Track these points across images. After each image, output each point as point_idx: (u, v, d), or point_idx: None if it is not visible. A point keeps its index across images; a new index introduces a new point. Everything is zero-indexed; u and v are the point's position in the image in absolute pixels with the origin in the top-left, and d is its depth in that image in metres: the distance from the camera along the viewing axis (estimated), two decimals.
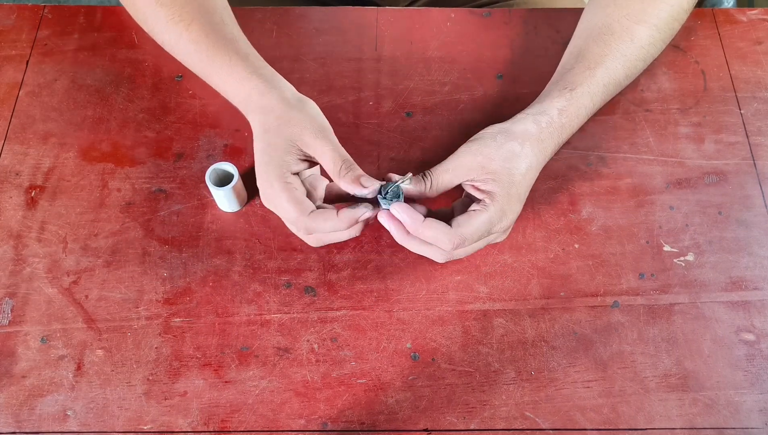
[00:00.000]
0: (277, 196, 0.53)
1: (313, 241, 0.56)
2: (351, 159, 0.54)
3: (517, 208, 0.55)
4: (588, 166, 0.64)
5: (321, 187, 0.57)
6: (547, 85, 0.61)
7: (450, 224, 0.53)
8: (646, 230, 0.61)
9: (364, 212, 0.53)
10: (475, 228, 0.52)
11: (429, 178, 0.54)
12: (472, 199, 0.56)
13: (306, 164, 0.55)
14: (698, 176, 0.64)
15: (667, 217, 0.62)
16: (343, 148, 0.54)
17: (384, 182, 0.54)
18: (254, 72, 0.58)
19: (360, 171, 0.53)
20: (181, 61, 0.63)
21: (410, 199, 0.54)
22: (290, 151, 0.54)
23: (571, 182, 0.63)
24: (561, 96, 0.58)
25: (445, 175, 0.54)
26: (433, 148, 0.65)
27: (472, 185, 0.54)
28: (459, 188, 0.56)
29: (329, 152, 0.53)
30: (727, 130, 0.66)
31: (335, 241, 0.56)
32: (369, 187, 0.53)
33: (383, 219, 0.54)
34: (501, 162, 0.54)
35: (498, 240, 0.57)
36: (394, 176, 0.55)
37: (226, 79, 0.59)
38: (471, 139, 0.56)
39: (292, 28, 0.71)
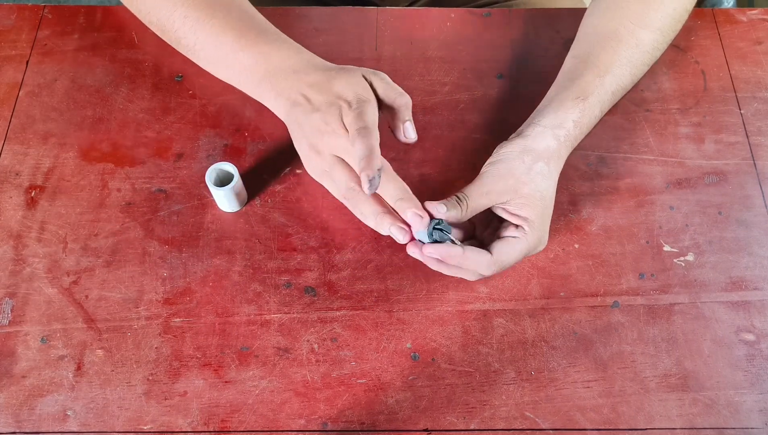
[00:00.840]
0: (340, 135, 0.53)
1: (349, 201, 0.55)
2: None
3: (547, 225, 0.56)
4: (588, 166, 0.64)
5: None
6: (553, 87, 0.61)
7: (489, 251, 0.53)
8: (646, 230, 0.61)
9: (398, 235, 0.53)
10: (515, 257, 0.54)
11: (465, 202, 0.53)
12: (497, 217, 0.56)
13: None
14: (698, 176, 0.64)
15: (667, 217, 0.62)
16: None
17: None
18: (278, 38, 0.59)
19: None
20: (188, 51, 0.63)
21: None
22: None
23: (571, 182, 0.63)
24: (575, 107, 0.58)
25: (480, 200, 0.54)
26: (433, 148, 0.65)
27: (504, 209, 0.55)
28: None
29: (382, 84, 0.55)
30: (727, 130, 0.66)
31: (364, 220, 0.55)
32: (410, 137, 0.55)
33: (415, 253, 0.53)
34: (533, 185, 0.54)
35: (530, 254, 0.57)
36: (434, 208, 0.53)
37: (241, 55, 0.59)
38: (493, 160, 0.56)
39: (292, 28, 0.71)
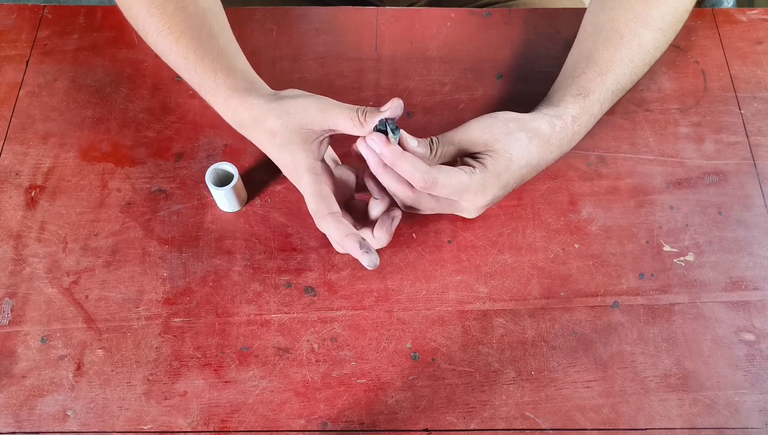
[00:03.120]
0: (304, 190, 0.54)
1: (337, 246, 0.56)
2: (363, 107, 0.53)
3: (498, 193, 0.55)
4: (588, 166, 0.64)
5: (352, 178, 0.57)
6: (555, 84, 0.61)
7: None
8: (646, 230, 0.61)
9: (362, 254, 0.52)
10: (451, 180, 0.52)
11: (435, 146, 0.54)
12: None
13: (327, 141, 0.55)
14: (698, 176, 0.64)
15: (667, 217, 0.62)
16: (349, 104, 0.53)
17: (386, 118, 0.52)
18: (235, 89, 0.57)
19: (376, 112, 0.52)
20: (177, 71, 0.63)
21: None
22: (307, 138, 0.54)
23: (571, 182, 0.63)
24: (575, 103, 0.58)
25: (451, 147, 0.55)
26: None
27: (471, 156, 0.55)
28: None
29: (339, 113, 0.53)
30: (727, 130, 0.66)
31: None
32: (370, 122, 0.52)
33: (362, 147, 0.53)
34: (505, 145, 0.54)
35: (464, 214, 0.57)
36: (406, 139, 0.53)
37: (213, 99, 0.59)
38: (486, 114, 0.56)
39: (292, 28, 0.71)
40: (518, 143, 0.55)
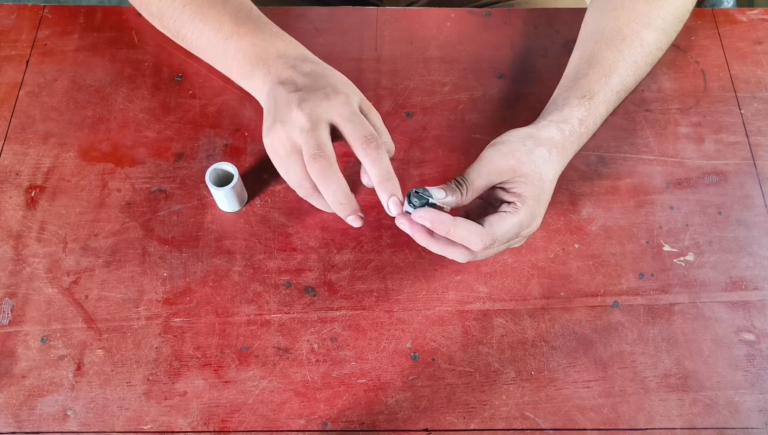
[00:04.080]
0: (308, 128, 0.53)
1: (302, 190, 0.54)
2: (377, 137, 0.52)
3: (542, 211, 0.55)
4: (588, 166, 0.64)
5: None
6: (558, 88, 0.61)
7: (482, 224, 0.52)
8: (646, 230, 0.61)
9: (354, 220, 0.53)
10: (507, 229, 0.52)
11: (464, 185, 0.52)
12: (490, 202, 0.56)
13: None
14: (698, 176, 0.64)
15: (667, 217, 0.62)
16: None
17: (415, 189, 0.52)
18: (278, 30, 0.60)
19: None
20: (185, 41, 0.63)
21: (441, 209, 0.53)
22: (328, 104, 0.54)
23: (571, 182, 0.63)
24: (581, 105, 0.58)
25: (480, 181, 0.53)
26: (433, 148, 0.65)
27: (502, 188, 0.54)
28: None
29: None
30: (727, 130, 0.66)
31: (316, 205, 0.56)
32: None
33: (404, 225, 0.52)
34: (532, 166, 0.53)
35: (517, 245, 0.57)
36: (432, 189, 0.53)
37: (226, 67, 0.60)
38: (496, 142, 0.55)
39: (292, 28, 0.71)
40: (541, 159, 0.54)
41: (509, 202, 0.53)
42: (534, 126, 0.57)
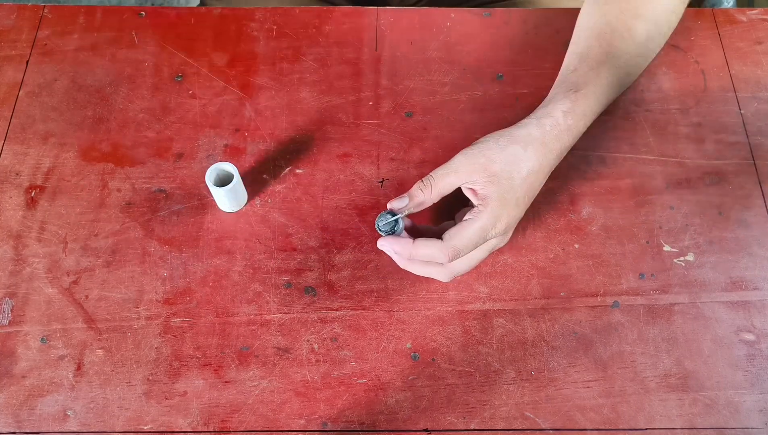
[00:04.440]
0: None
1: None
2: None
3: (514, 212, 0.54)
4: (588, 166, 0.64)
5: None
6: (551, 89, 0.61)
7: (442, 239, 0.53)
8: (646, 230, 0.61)
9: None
10: (467, 238, 0.52)
11: (429, 184, 0.54)
12: (470, 206, 0.55)
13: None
14: (698, 176, 0.64)
15: (667, 217, 0.62)
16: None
17: (388, 211, 0.55)
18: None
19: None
20: None
21: (413, 214, 0.56)
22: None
23: (571, 182, 0.63)
24: (566, 98, 0.57)
25: (446, 179, 0.54)
26: (433, 148, 0.65)
27: (470, 188, 0.54)
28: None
29: None
30: (727, 130, 0.66)
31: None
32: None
33: (382, 247, 0.55)
34: (502, 164, 0.53)
35: (500, 245, 0.56)
36: (393, 203, 0.55)
37: None
38: (473, 142, 0.56)
39: (292, 28, 0.71)
40: (514, 157, 0.54)
41: (476, 206, 0.54)
42: (515, 125, 0.57)
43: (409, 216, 0.56)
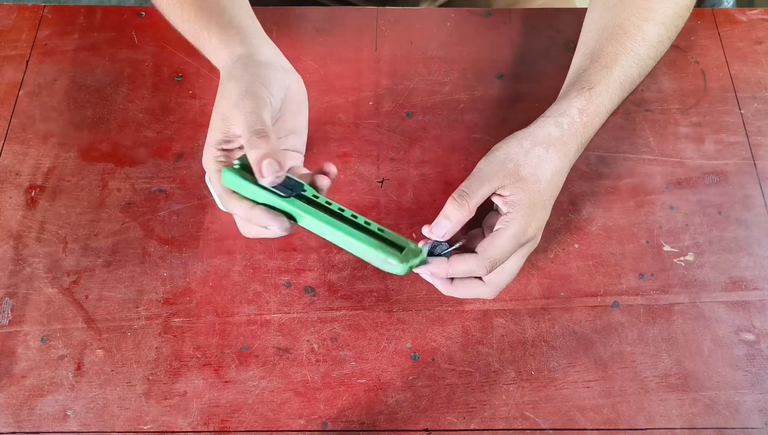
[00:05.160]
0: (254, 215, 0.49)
1: (244, 228, 0.53)
2: (266, 130, 0.48)
3: (542, 215, 0.54)
4: (588, 166, 0.64)
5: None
6: (562, 88, 0.61)
7: (476, 252, 0.52)
8: (646, 230, 0.61)
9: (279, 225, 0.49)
10: (502, 247, 0.52)
11: (465, 201, 0.52)
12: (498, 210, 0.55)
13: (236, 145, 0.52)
14: (698, 176, 0.64)
15: (667, 217, 0.62)
16: (265, 119, 0.49)
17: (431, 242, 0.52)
18: (238, 33, 0.56)
19: (266, 149, 0.47)
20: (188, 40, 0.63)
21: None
22: (219, 128, 0.51)
23: (571, 182, 0.63)
24: (580, 96, 0.57)
25: (481, 191, 0.52)
26: (433, 148, 0.65)
27: (500, 195, 0.53)
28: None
29: (241, 123, 0.49)
30: (727, 130, 0.66)
31: (261, 235, 0.53)
32: (267, 178, 0.47)
33: (425, 276, 0.54)
34: (529, 168, 0.53)
35: (532, 249, 0.56)
36: (433, 231, 0.52)
37: (208, 53, 0.58)
38: (493, 148, 0.55)
39: (292, 28, 0.71)
40: (539, 159, 0.54)
41: (504, 214, 0.53)
42: (532, 125, 0.56)
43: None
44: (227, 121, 0.51)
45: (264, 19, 0.71)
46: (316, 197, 0.49)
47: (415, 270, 0.50)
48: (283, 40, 0.70)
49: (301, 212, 0.48)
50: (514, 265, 0.54)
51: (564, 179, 0.56)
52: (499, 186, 0.53)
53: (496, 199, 0.54)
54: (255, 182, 0.48)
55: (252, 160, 0.47)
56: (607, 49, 0.60)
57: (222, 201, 0.51)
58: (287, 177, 0.48)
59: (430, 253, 0.52)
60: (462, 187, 0.52)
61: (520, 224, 0.52)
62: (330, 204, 0.49)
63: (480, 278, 0.53)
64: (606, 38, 0.61)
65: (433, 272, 0.52)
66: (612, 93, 0.58)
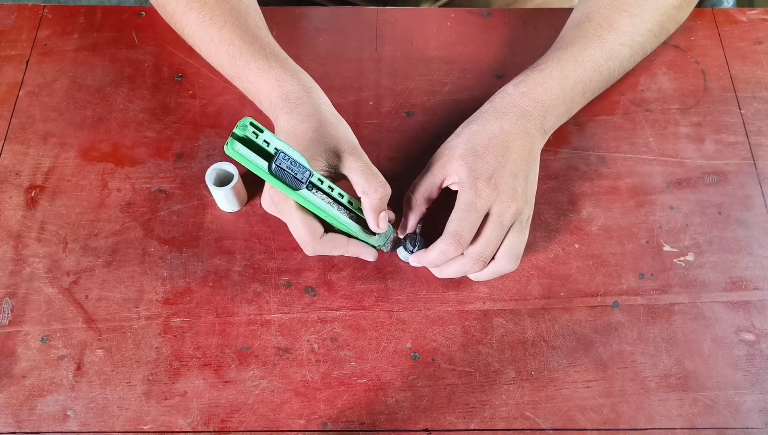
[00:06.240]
0: (290, 213, 0.53)
1: (311, 252, 0.55)
2: (385, 181, 0.53)
3: (491, 172, 0.54)
4: (588, 166, 0.64)
5: None
6: None
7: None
8: (646, 230, 0.61)
9: (369, 257, 0.56)
10: (458, 217, 0.53)
11: (412, 194, 0.57)
12: None
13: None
14: (698, 176, 0.64)
15: (667, 217, 0.62)
16: (376, 168, 0.54)
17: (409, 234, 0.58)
18: (294, 75, 0.58)
19: (385, 205, 0.54)
20: (211, 62, 0.63)
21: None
22: (318, 162, 0.53)
23: (571, 182, 0.63)
24: (520, 75, 0.60)
25: (424, 182, 0.57)
26: (433, 148, 0.65)
27: (452, 183, 0.57)
28: None
29: (363, 168, 0.53)
30: (727, 130, 0.66)
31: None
32: (382, 228, 0.54)
33: (417, 265, 0.58)
34: (463, 146, 0.56)
35: (511, 210, 0.54)
36: (403, 228, 0.58)
37: (260, 79, 0.59)
38: None
39: (292, 28, 0.71)
40: (470, 134, 0.57)
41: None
42: None
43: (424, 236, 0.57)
44: (337, 158, 0.54)
45: (264, 19, 0.71)
46: (321, 181, 0.51)
47: (411, 262, 0.57)
48: (284, 40, 0.70)
49: (304, 199, 0.51)
50: (486, 231, 0.54)
51: (519, 142, 0.56)
52: (443, 174, 0.56)
53: (453, 187, 0.57)
54: (267, 166, 0.48)
55: (373, 205, 0.53)
56: (568, 35, 0.62)
57: (310, 233, 0.53)
58: (298, 163, 0.49)
59: (404, 243, 0.57)
60: (413, 183, 0.58)
61: (467, 193, 0.53)
62: (332, 189, 0.52)
63: (461, 256, 0.55)
64: (570, 28, 0.63)
65: (419, 262, 0.56)
66: (564, 69, 0.59)
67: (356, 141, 0.56)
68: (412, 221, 0.57)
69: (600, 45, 0.61)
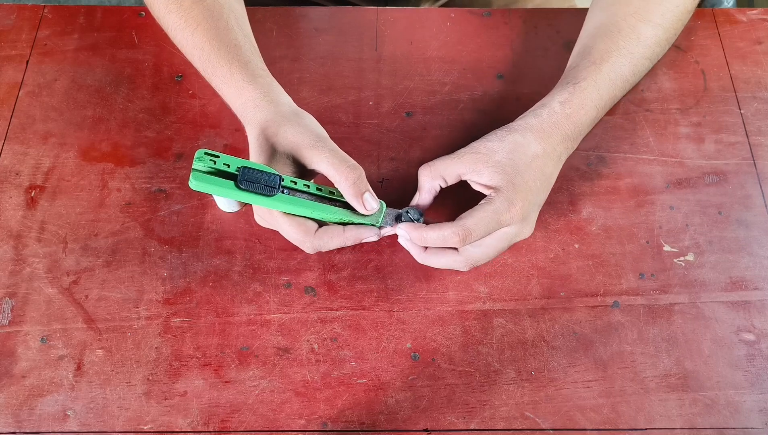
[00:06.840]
0: (278, 219, 0.53)
1: (310, 249, 0.55)
2: (354, 163, 0.53)
3: (529, 197, 0.54)
4: (588, 166, 0.64)
5: None
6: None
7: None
8: (646, 230, 0.61)
9: (370, 235, 0.54)
10: (479, 218, 0.52)
11: (435, 166, 0.55)
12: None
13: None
14: (698, 176, 0.64)
15: (667, 217, 0.62)
16: (343, 152, 0.54)
17: (400, 211, 0.56)
18: (252, 81, 0.57)
19: (365, 185, 0.53)
20: (193, 65, 0.63)
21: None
22: (286, 167, 0.54)
23: (571, 182, 0.63)
24: (564, 90, 0.58)
25: (448, 162, 0.55)
26: (433, 148, 0.65)
27: (481, 184, 0.55)
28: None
29: (328, 158, 0.53)
30: (727, 130, 0.66)
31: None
32: (370, 210, 0.53)
33: (402, 243, 0.56)
34: (504, 153, 0.54)
35: (523, 235, 0.56)
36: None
37: (224, 87, 0.59)
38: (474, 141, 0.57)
39: (292, 28, 0.71)
40: (513, 144, 0.55)
41: (486, 195, 0.54)
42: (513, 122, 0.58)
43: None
44: (301, 156, 0.54)
45: (264, 19, 0.71)
46: (295, 183, 0.52)
47: (397, 229, 0.55)
48: (284, 40, 0.70)
49: (286, 205, 0.51)
50: (493, 242, 0.54)
51: (553, 167, 0.57)
52: (472, 169, 0.55)
53: (479, 188, 0.55)
54: (234, 186, 0.50)
55: (350, 192, 0.52)
56: (598, 46, 0.60)
57: (310, 239, 0.54)
58: (264, 172, 0.51)
59: (399, 218, 0.56)
60: (434, 160, 0.56)
61: (501, 201, 0.53)
62: (308, 186, 0.53)
63: (456, 250, 0.55)
64: (599, 36, 0.61)
65: (410, 234, 0.54)
66: (600, 88, 0.59)
67: (320, 130, 0.55)
68: (427, 197, 0.56)
69: (629, 61, 0.60)
